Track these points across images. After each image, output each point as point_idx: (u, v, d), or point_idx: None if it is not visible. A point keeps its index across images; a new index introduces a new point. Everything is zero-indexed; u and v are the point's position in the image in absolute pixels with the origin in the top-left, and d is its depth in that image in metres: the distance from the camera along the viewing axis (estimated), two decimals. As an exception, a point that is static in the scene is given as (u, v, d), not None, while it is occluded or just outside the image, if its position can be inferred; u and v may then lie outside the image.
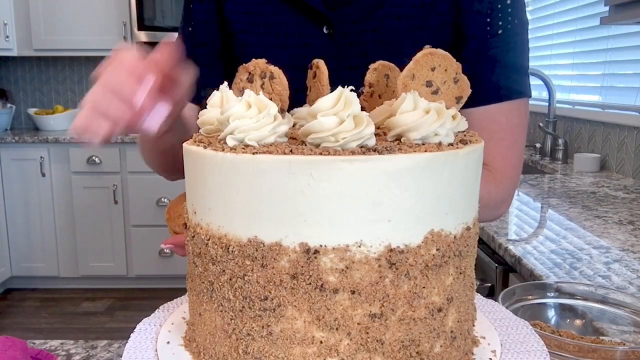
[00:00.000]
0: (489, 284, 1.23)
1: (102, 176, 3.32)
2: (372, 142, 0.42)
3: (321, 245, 0.40)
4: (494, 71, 0.75)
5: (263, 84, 0.54)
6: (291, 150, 0.40)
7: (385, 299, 0.41)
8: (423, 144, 0.43)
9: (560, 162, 2.28)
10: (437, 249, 0.42)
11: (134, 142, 3.24)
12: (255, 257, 0.41)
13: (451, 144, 0.44)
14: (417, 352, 0.43)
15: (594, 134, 2.20)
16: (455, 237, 0.44)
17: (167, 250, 3.38)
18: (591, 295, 0.72)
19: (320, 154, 0.40)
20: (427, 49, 0.49)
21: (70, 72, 3.90)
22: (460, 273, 0.45)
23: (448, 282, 0.44)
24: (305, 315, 0.41)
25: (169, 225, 0.74)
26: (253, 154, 0.41)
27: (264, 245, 0.41)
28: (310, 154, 0.40)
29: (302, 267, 0.40)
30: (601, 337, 0.68)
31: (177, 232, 0.71)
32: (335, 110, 0.42)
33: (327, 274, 0.40)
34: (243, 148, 0.42)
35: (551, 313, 0.73)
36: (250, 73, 0.54)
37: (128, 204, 3.35)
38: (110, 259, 3.41)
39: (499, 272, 1.20)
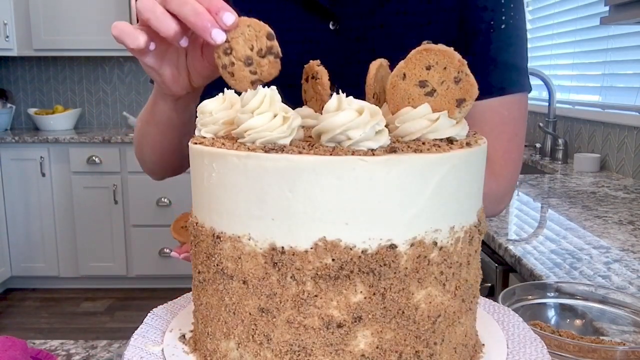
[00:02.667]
0: (489, 284, 1.23)
1: (102, 176, 3.32)
2: (284, 141, 0.42)
3: (222, 232, 0.43)
4: (496, 65, 0.76)
5: (313, 84, 0.55)
6: (213, 144, 0.44)
7: (272, 297, 0.41)
8: (334, 147, 0.41)
9: (560, 162, 2.28)
10: (332, 259, 0.40)
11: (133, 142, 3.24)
12: (195, 235, 0.47)
13: (372, 150, 0.40)
14: None
15: (594, 134, 2.20)
16: (364, 252, 0.40)
17: (167, 251, 3.38)
18: (591, 295, 0.72)
19: (231, 147, 0.43)
20: (423, 45, 0.45)
21: (70, 72, 3.90)
22: (381, 295, 0.40)
23: (354, 300, 0.40)
24: (215, 294, 0.45)
25: (176, 238, 0.75)
26: (195, 143, 0.46)
27: (197, 225, 0.46)
28: (221, 147, 0.43)
29: (211, 249, 0.44)
30: (601, 337, 0.68)
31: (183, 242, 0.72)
32: (261, 109, 0.44)
33: (227, 259, 0.43)
34: (195, 141, 0.47)
35: (551, 313, 0.73)
36: (307, 74, 0.56)
37: (128, 204, 3.35)
38: (110, 259, 3.41)
39: (499, 272, 1.20)
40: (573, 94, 2.51)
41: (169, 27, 0.52)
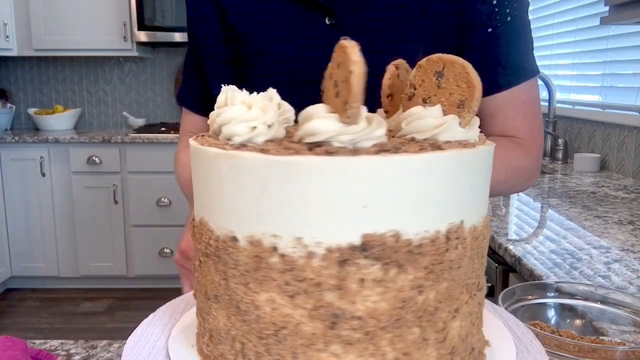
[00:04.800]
0: (489, 284, 1.23)
1: (102, 176, 3.32)
2: (259, 139, 0.43)
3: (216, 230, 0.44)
4: (510, 57, 0.79)
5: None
6: (202, 142, 0.45)
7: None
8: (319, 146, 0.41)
9: (560, 162, 2.28)
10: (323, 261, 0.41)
11: (133, 142, 3.25)
12: (195, 234, 0.48)
13: (367, 149, 0.40)
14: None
15: (594, 134, 2.20)
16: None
17: (167, 251, 3.38)
18: (591, 295, 0.72)
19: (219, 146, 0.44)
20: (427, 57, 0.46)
21: (70, 72, 3.90)
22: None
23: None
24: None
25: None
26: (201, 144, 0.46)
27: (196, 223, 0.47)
28: (203, 145, 0.44)
29: (199, 235, 0.46)
30: (601, 337, 0.67)
31: None
32: (247, 118, 0.44)
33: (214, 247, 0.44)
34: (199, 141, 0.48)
35: (551, 313, 0.73)
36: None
37: (128, 204, 3.35)
38: (110, 259, 3.41)
39: (499, 272, 1.20)
40: (573, 94, 2.51)
41: None
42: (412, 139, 0.44)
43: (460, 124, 0.44)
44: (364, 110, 0.43)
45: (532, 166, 0.85)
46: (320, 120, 0.42)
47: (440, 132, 0.43)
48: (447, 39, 0.77)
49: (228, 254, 0.42)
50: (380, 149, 0.40)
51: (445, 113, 0.44)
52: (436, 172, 0.40)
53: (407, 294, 0.41)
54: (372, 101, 0.56)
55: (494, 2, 0.77)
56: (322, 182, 0.38)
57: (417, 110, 0.45)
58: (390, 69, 0.52)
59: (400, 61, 0.52)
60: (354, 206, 0.39)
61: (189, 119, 0.96)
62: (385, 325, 0.40)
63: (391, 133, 0.48)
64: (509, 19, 0.78)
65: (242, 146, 0.42)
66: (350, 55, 0.42)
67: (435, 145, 0.42)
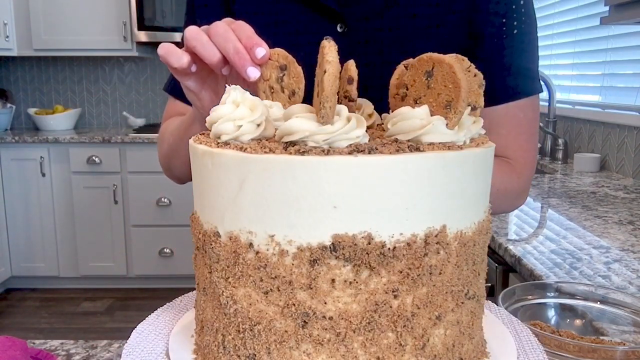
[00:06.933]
0: (489, 284, 1.23)
1: (102, 176, 3.32)
2: (245, 138, 0.44)
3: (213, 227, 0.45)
4: (511, 70, 0.77)
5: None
6: (209, 144, 0.45)
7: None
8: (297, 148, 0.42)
9: (560, 162, 2.28)
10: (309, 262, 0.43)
11: (134, 142, 3.25)
12: (192, 227, 0.48)
13: (350, 150, 0.40)
14: None
15: (594, 134, 2.20)
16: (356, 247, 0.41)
17: (167, 251, 3.38)
18: (591, 295, 0.72)
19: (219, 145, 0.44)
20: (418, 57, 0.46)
21: (70, 72, 3.89)
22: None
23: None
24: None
25: None
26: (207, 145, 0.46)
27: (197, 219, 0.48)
28: (195, 142, 0.45)
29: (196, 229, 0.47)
30: (601, 337, 0.68)
31: None
32: (233, 116, 0.44)
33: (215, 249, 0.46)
34: (202, 142, 0.47)
35: (551, 313, 0.73)
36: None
37: (128, 204, 3.35)
38: (110, 259, 3.41)
39: (499, 272, 1.20)
40: (573, 94, 2.51)
41: (213, 54, 0.55)
42: (396, 140, 0.43)
43: (447, 125, 0.43)
44: (343, 110, 0.42)
45: (520, 188, 0.82)
46: (297, 119, 0.41)
47: (425, 134, 0.42)
48: (456, 49, 0.76)
49: (212, 248, 0.43)
50: (354, 149, 0.39)
51: (432, 114, 0.44)
52: (412, 174, 0.39)
53: (380, 297, 0.40)
54: (384, 110, 0.55)
55: (504, 13, 0.76)
56: (293, 181, 0.38)
57: (403, 110, 0.44)
58: (400, 68, 0.51)
59: (410, 61, 0.51)
60: (324, 206, 0.38)
61: (178, 107, 0.91)
62: (357, 328, 0.40)
63: (382, 134, 0.48)
64: (515, 31, 0.76)
65: (226, 144, 0.43)
66: (325, 55, 0.42)
67: (414, 147, 0.41)
